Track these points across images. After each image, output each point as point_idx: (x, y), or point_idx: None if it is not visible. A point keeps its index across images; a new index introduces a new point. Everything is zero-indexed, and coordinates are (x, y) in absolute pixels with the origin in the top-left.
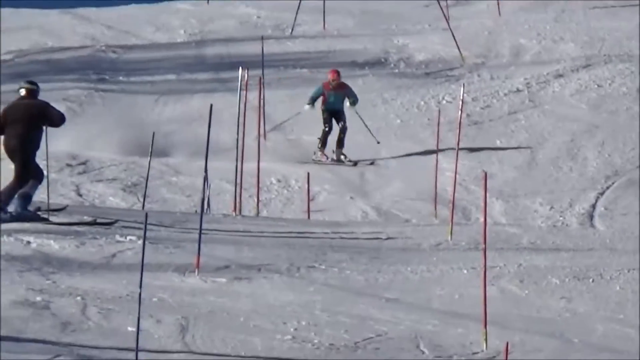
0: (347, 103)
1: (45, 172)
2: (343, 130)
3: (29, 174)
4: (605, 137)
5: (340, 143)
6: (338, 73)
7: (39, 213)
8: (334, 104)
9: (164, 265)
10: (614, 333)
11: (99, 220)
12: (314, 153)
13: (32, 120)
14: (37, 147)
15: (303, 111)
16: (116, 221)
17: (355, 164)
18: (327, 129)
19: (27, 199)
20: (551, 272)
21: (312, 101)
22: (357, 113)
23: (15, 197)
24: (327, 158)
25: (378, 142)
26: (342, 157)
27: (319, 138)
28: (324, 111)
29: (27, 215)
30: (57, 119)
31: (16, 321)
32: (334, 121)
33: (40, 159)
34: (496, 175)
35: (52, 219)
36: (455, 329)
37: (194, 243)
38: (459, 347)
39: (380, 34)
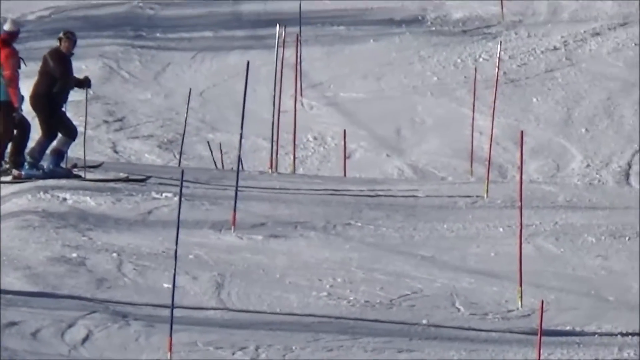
0: None
1: (82, 129)
2: None
3: (51, 129)
4: None
5: None
6: None
7: (74, 170)
8: None
9: (200, 222)
10: None
11: (132, 177)
12: None
13: (47, 75)
14: (60, 101)
15: None
16: (149, 177)
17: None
18: None
19: (59, 155)
20: (587, 230)
21: None
22: None
23: (47, 154)
24: None
25: None
26: None
27: None
28: None
29: (60, 172)
30: (57, 74)
31: (52, 277)
32: None
33: (77, 116)
34: (532, 133)
35: (87, 175)
36: (491, 286)
37: (230, 200)
38: (494, 304)
39: None
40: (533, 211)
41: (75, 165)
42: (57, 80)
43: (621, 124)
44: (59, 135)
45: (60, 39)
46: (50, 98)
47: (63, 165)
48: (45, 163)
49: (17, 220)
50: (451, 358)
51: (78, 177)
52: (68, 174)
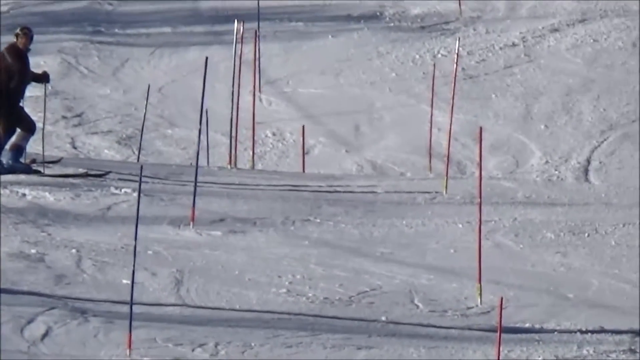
0: None
1: (40, 124)
2: None
3: (10, 124)
4: (600, 91)
5: None
6: None
7: (33, 165)
8: None
9: (159, 218)
10: (609, 288)
11: (91, 172)
12: None
13: (4, 70)
14: (18, 96)
15: None
16: (109, 172)
17: None
18: None
19: (18, 151)
20: (546, 227)
21: None
22: None
23: (6, 149)
24: None
25: None
26: None
27: None
28: None
29: (19, 167)
30: (14, 69)
31: (11, 273)
32: None
33: (36, 111)
34: (491, 130)
35: (46, 171)
36: (450, 283)
37: (189, 196)
38: (453, 301)
39: None
40: (492, 207)
41: (34, 161)
42: (15, 75)
43: (580, 120)
44: (18, 130)
45: (17, 35)
46: (8, 94)
47: (22, 160)
48: (4, 158)
49: None
50: (410, 355)
51: (37, 172)
52: (27, 170)
